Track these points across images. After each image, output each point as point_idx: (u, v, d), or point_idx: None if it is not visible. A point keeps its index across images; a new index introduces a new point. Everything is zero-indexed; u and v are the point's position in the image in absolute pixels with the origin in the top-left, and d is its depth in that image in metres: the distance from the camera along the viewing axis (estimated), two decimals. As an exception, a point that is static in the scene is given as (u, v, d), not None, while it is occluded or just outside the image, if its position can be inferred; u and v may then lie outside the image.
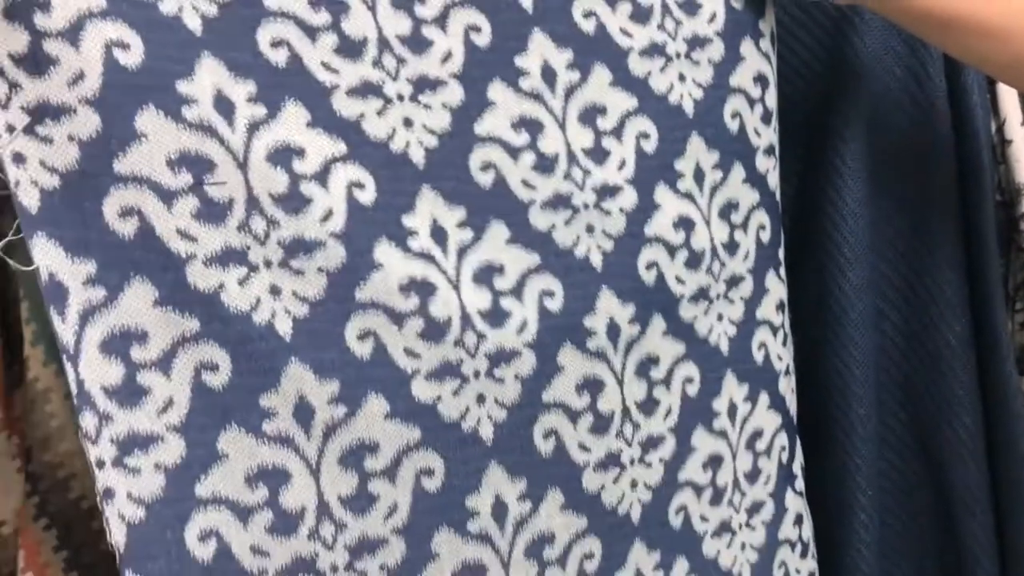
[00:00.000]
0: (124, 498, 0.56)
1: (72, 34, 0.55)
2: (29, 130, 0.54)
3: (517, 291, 0.68)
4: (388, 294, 0.63)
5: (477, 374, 0.66)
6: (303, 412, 0.61)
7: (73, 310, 0.55)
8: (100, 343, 0.56)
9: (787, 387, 0.86)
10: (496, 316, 0.67)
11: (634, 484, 0.74)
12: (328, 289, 0.62)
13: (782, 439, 0.85)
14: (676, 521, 0.77)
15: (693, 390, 0.78)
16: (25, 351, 0.65)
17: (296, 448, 0.61)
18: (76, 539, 0.68)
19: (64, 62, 0.55)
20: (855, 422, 0.90)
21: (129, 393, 0.57)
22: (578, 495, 0.71)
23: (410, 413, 0.64)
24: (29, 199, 0.54)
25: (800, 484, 0.87)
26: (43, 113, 0.55)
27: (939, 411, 0.93)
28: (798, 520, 0.86)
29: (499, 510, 0.68)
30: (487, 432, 0.67)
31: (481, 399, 0.67)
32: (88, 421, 0.56)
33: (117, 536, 0.56)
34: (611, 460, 0.73)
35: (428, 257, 0.65)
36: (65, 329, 0.55)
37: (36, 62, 0.55)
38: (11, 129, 0.54)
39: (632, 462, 0.74)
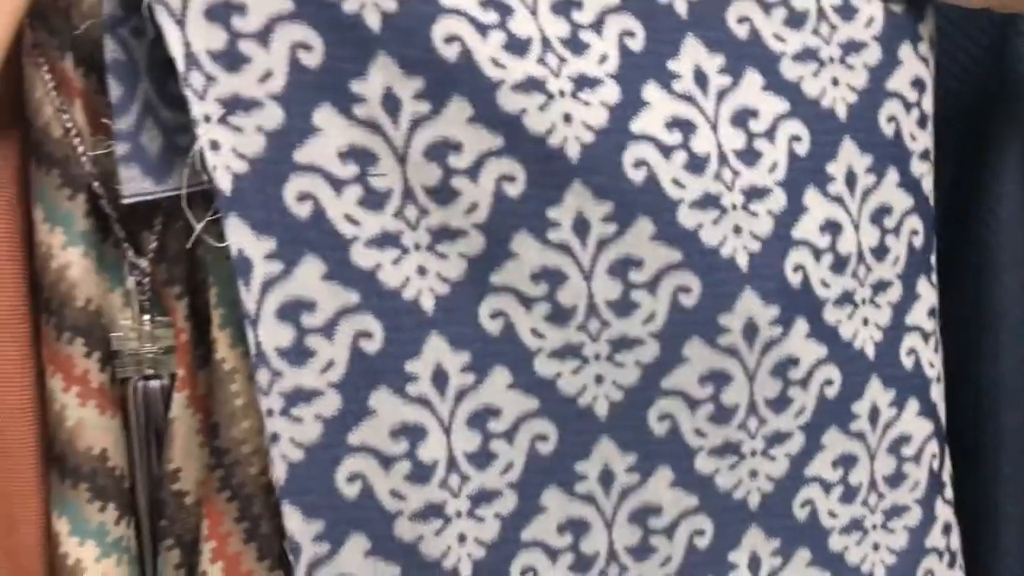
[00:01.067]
0: (287, 441, 0.65)
1: (263, 35, 0.63)
2: (223, 120, 0.63)
3: (651, 285, 0.72)
4: (520, 280, 0.69)
5: (598, 356, 0.72)
6: (439, 378, 0.69)
7: (256, 281, 0.64)
8: (276, 310, 0.65)
9: (938, 395, 0.86)
10: (623, 306, 0.71)
11: (754, 473, 0.77)
12: (467, 272, 0.69)
13: (932, 447, 0.85)
14: (801, 513, 0.80)
15: (832, 392, 0.80)
16: (212, 333, 0.70)
17: (433, 409, 0.69)
18: (255, 511, 0.72)
19: (255, 61, 0.63)
20: (1006, 432, 0.89)
21: (297, 354, 0.65)
22: (689, 475, 0.75)
23: (531, 385, 0.71)
24: (223, 183, 0.63)
25: (949, 493, 0.87)
26: (235, 105, 0.63)
27: None
28: (947, 529, 0.87)
29: (606, 477, 0.74)
30: (602, 409, 0.73)
31: (599, 379, 0.72)
32: (262, 377, 0.65)
33: (279, 473, 0.65)
34: (729, 448, 0.76)
35: (565, 248, 0.70)
36: (248, 298, 0.64)
37: (231, 59, 0.63)
38: (208, 119, 0.63)
39: (753, 453, 0.77)
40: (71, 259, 0.69)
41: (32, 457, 0.72)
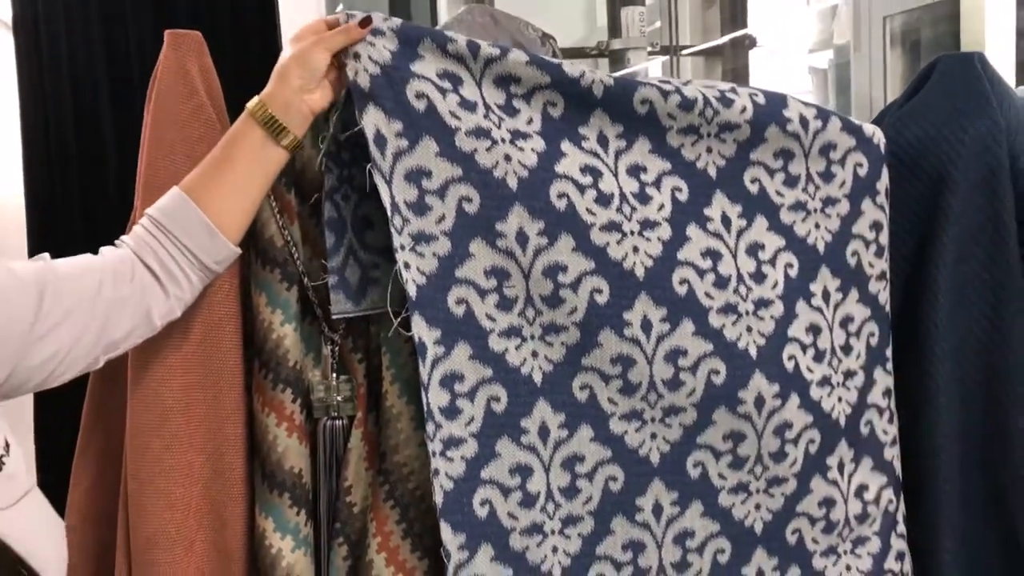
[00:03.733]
0: (444, 476, 0.92)
1: (441, 192, 0.92)
2: (412, 249, 0.91)
3: (693, 368, 1.01)
4: (602, 363, 0.97)
5: (654, 420, 1.00)
6: (543, 432, 0.97)
7: (428, 360, 0.92)
8: (439, 380, 0.92)
9: (892, 454, 1.14)
10: (673, 384, 1.00)
11: (758, 507, 1.06)
12: (566, 356, 0.97)
13: (888, 494, 1.14)
14: (792, 539, 1.09)
15: (814, 448, 1.08)
16: (384, 387, 0.97)
17: (538, 454, 0.96)
18: (411, 515, 0.98)
19: (435, 209, 0.92)
20: (941, 491, 1.16)
21: (451, 411, 0.93)
22: (714, 508, 1.04)
23: (606, 439, 0.99)
24: (411, 291, 0.91)
25: (902, 529, 1.16)
26: (420, 238, 0.91)
27: (1008, 472, 1.18)
28: (900, 556, 1.16)
29: (657, 509, 1.02)
30: (655, 458, 1.01)
31: (654, 436, 1.01)
32: (430, 428, 0.92)
33: (438, 499, 0.92)
34: (741, 488, 1.05)
35: (635, 341, 0.98)
36: (424, 371, 0.91)
37: (420, 208, 0.91)
38: (403, 248, 0.91)
39: (758, 491, 1.06)
40: (286, 332, 0.97)
41: (241, 474, 0.99)
